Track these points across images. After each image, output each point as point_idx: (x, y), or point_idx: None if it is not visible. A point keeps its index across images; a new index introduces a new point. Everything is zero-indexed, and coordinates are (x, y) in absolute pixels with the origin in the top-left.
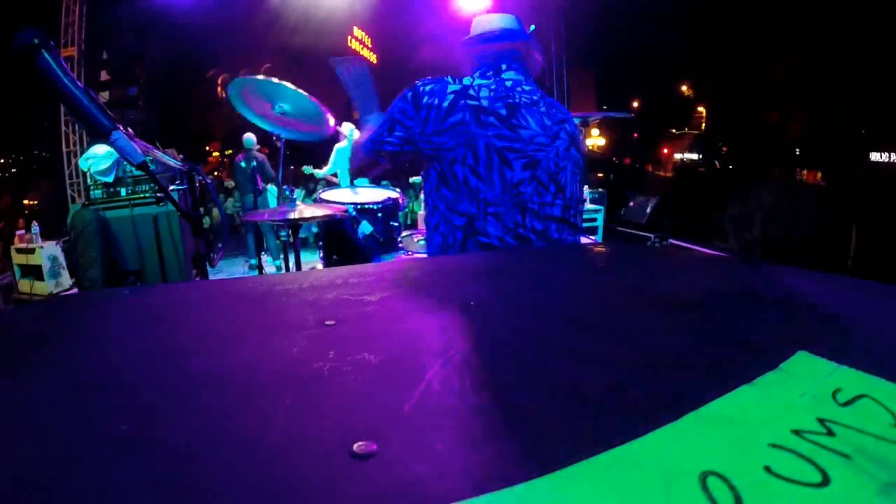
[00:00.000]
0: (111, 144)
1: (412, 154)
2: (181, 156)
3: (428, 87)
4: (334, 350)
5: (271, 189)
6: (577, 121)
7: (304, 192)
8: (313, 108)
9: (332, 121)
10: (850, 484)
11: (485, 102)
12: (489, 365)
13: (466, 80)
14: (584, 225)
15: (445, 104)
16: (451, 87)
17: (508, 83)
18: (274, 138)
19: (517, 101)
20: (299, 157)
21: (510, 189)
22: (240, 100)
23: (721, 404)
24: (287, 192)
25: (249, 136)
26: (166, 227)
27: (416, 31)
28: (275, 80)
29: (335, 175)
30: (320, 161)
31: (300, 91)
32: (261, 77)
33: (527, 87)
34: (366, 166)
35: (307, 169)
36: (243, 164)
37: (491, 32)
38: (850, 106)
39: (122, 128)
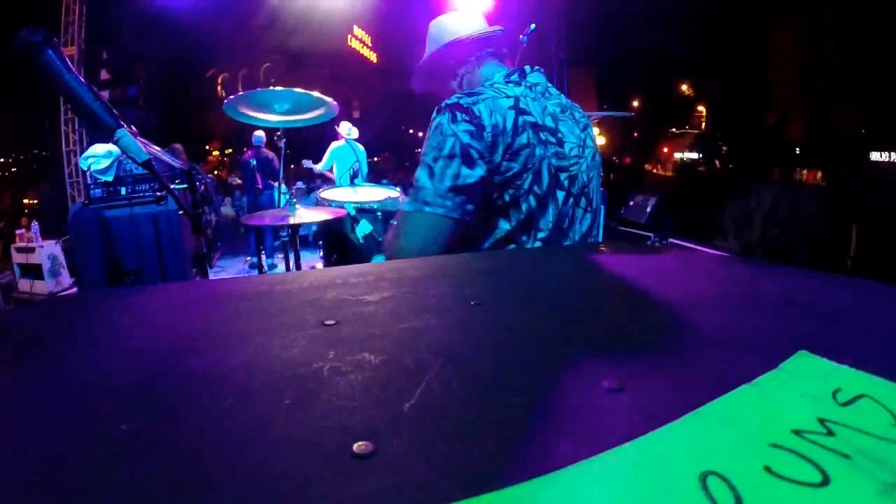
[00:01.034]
0: (115, 142)
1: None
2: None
3: (481, 104)
4: (334, 350)
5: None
6: None
7: (304, 188)
8: (309, 98)
9: (334, 104)
10: (850, 484)
11: (537, 117)
12: (489, 365)
13: (509, 90)
14: None
15: (510, 122)
16: (505, 101)
17: (539, 87)
18: (275, 137)
19: (552, 109)
20: (299, 156)
21: (559, 211)
22: (239, 114)
23: (721, 404)
24: (287, 192)
25: (259, 134)
26: (166, 226)
27: (416, 30)
28: (270, 87)
29: (331, 171)
30: (319, 160)
31: (293, 90)
32: (247, 92)
33: (553, 91)
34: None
35: (306, 163)
36: (253, 162)
37: (494, 34)
38: (850, 106)
39: (125, 125)
